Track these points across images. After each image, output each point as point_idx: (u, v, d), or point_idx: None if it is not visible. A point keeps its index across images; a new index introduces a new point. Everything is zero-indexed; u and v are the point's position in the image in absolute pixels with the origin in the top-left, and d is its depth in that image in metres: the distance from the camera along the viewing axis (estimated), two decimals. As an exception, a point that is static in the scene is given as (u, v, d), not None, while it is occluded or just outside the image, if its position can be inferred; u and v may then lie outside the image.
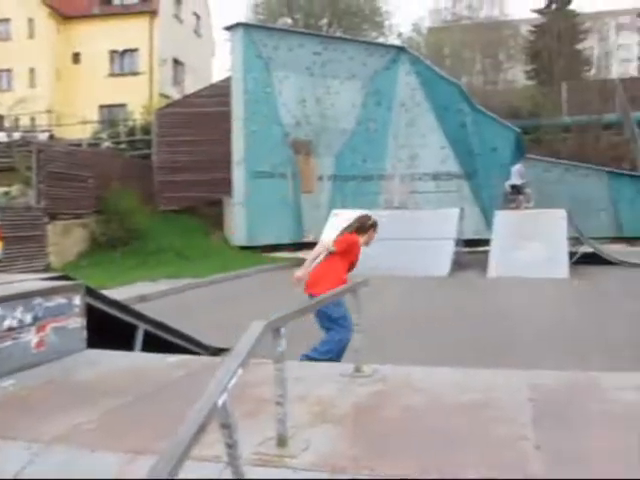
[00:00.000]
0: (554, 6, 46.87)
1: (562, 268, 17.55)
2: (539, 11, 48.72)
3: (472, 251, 22.66)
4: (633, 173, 28.37)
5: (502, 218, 20.12)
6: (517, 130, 26.45)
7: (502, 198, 23.30)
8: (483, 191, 25.36)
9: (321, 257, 6.81)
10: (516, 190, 22.21)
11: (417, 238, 18.99)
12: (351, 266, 6.94)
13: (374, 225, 7.18)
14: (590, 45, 45.17)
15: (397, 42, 38.46)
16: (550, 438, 3.82)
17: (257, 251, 23.82)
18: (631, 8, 79.11)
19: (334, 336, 6.60)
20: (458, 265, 19.67)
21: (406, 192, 24.68)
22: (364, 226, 7.06)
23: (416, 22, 45.62)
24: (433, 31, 44.69)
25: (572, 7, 46.43)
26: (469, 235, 23.17)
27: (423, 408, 4.53)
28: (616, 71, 45.52)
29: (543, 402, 4.57)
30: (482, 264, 18.95)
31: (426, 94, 26.04)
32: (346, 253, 6.82)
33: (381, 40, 38.67)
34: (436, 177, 26.04)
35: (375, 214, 21.51)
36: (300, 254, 23.55)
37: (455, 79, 27.99)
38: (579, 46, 44.64)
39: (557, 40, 38.95)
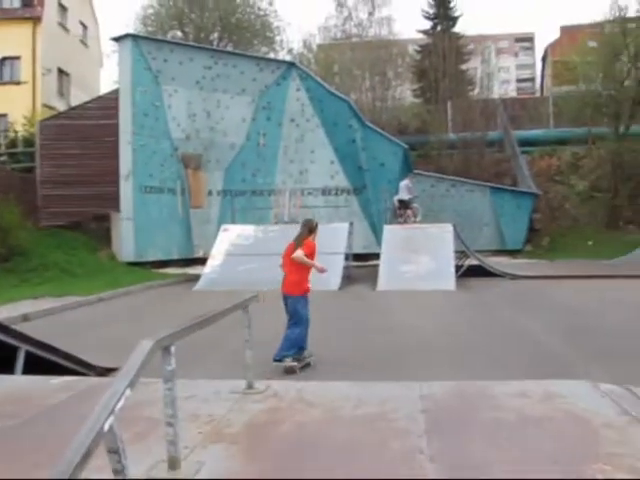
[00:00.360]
0: (439, 28, 48.42)
1: (449, 280, 17.98)
2: (425, 32, 50.19)
3: (362, 265, 22.97)
4: (514, 189, 29.53)
5: (390, 232, 20.45)
6: (405, 146, 27.01)
7: (390, 213, 23.70)
8: (372, 206, 25.75)
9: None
10: (404, 205, 22.58)
11: (308, 253, 19.00)
12: None
13: (317, 224, 8.92)
14: (473, 66, 46.70)
15: (288, 58, 38.61)
16: (444, 449, 3.87)
17: (146, 267, 23.33)
18: (509, 33, 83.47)
19: (294, 330, 8.28)
20: (348, 279, 19.87)
21: (296, 207, 24.74)
22: (312, 228, 8.75)
23: (307, 39, 46.05)
24: (323, 48, 45.15)
25: (456, 29, 48.14)
26: (358, 249, 23.47)
27: (319, 423, 4.51)
28: (497, 91, 47.35)
29: (436, 413, 4.63)
30: (372, 278, 19.20)
31: (316, 110, 26.24)
32: (309, 255, 8.39)
33: (272, 56, 38.79)
34: (325, 192, 26.26)
35: (265, 229, 21.45)
36: (189, 270, 23.27)
37: (344, 95, 28.35)
38: (463, 66, 46.16)
39: (442, 60, 40.06)
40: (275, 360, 8.00)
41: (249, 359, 5.43)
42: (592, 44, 34.71)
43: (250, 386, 5.38)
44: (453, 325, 12.07)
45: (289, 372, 7.89)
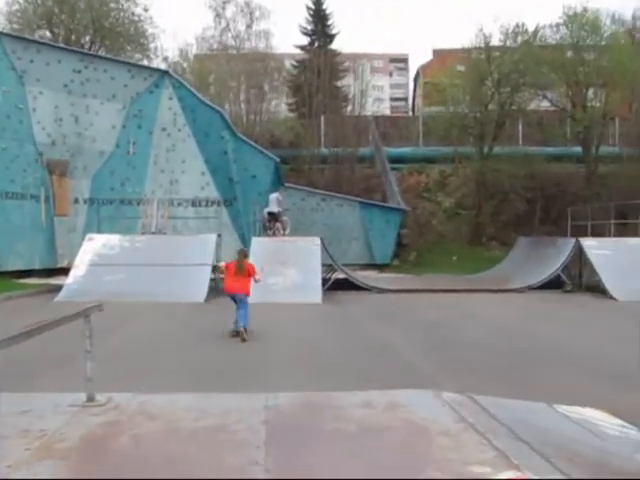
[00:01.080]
0: (316, 44, 49.07)
1: (316, 293, 18.15)
2: (302, 47, 50.76)
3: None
4: (383, 204, 30.19)
5: (259, 244, 20.32)
6: (276, 159, 27.05)
7: (260, 225, 23.66)
8: (242, 218, 25.52)
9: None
10: (274, 217, 22.55)
11: (174, 264, 18.71)
12: None
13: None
14: (348, 83, 47.45)
15: (163, 66, 37.81)
16: (281, 460, 3.86)
17: (6, 277, 22.21)
18: (384, 53, 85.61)
19: (248, 308, 12.38)
20: (216, 291, 19.65)
21: (165, 217, 24.25)
22: (246, 254, 13.67)
23: (183, 48, 45.33)
24: (200, 58, 44.63)
25: (333, 46, 48.94)
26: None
27: (157, 436, 4.41)
28: (370, 109, 48.21)
29: (278, 424, 4.62)
30: (240, 290, 19.03)
31: (188, 119, 25.79)
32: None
33: (146, 63, 37.94)
34: (195, 203, 25.83)
35: (131, 239, 20.98)
36: (52, 280, 22.39)
37: (218, 107, 28.08)
38: (338, 83, 46.93)
39: (317, 76, 40.51)
40: (243, 328, 11.85)
41: (90, 370, 5.24)
42: (460, 68, 36.09)
43: (91, 399, 5.20)
44: (315, 338, 12.15)
45: (234, 335, 11.87)
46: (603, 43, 31.76)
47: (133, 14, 39.96)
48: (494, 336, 12.22)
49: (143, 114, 25.84)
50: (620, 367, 8.93)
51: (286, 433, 4.42)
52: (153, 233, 21.62)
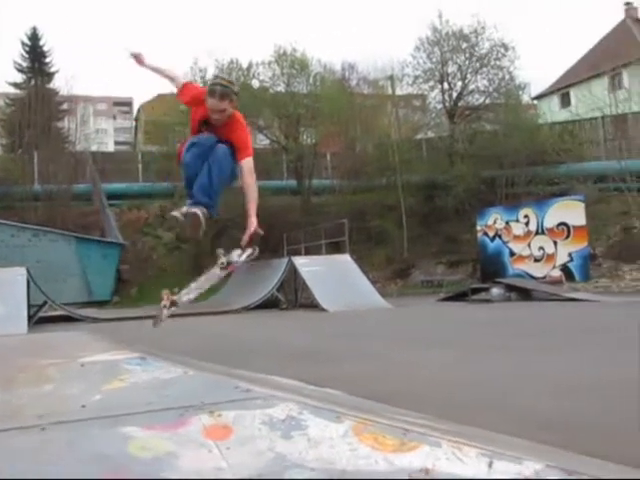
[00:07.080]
0: (33, 82, 46.93)
1: (21, 325, 17.22)
2: (16, 85, 48.29)
3: None
4: (100, 239, 29.49)
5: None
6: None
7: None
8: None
9: None
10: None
11: None
12: None
13: None
14: (68, 125, 45.86)
15: None
16: None
17: None
18: (108, 96, 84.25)
19: None
20: None
21: None
22: None
23: None
24: None
25: (53, 86, 46.92)
26: None
27: None
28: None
29: None
30: None
31: None
32: None
33: None
34: None
35: None
36: None
37: None
38: (59, 124, 45.16)
39: (34, 114, 38.82)
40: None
41: None
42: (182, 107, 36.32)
43: None
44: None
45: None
46: (311, 81, 33.99)
47: None
48: (205, 342, 12.80)
49: None
50: (312, 351, 9.98)
51: None
52: None
